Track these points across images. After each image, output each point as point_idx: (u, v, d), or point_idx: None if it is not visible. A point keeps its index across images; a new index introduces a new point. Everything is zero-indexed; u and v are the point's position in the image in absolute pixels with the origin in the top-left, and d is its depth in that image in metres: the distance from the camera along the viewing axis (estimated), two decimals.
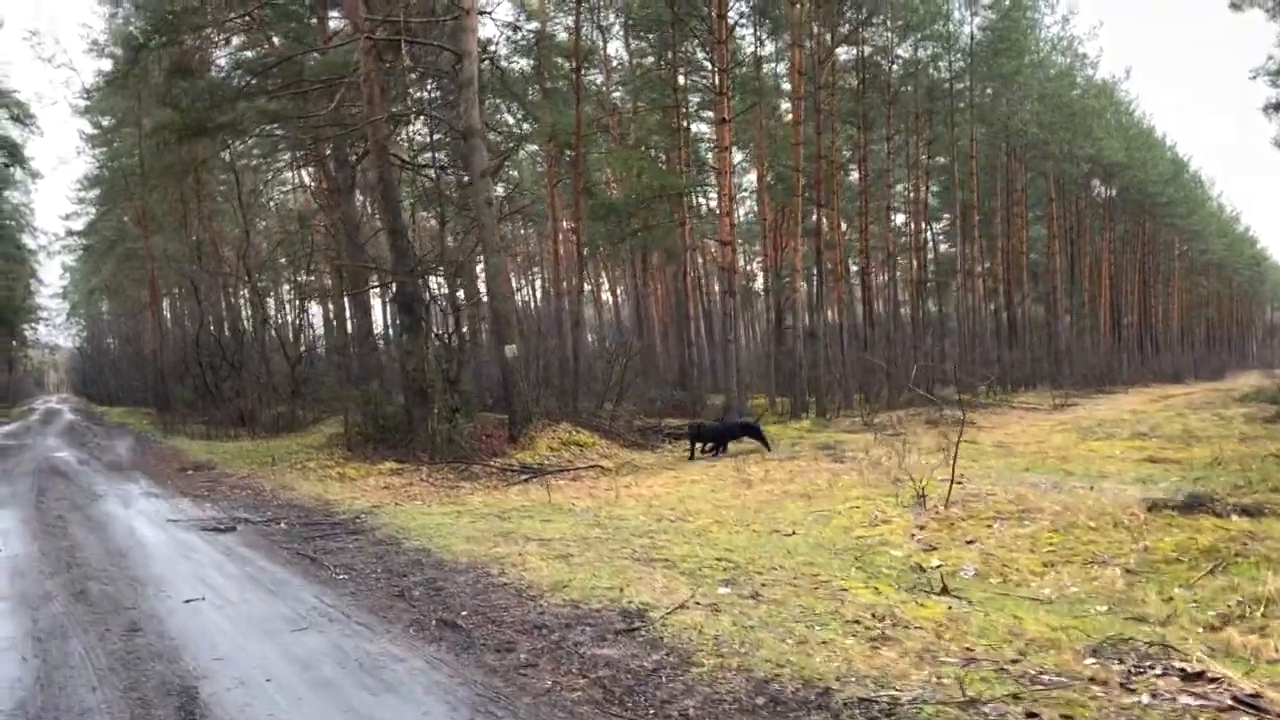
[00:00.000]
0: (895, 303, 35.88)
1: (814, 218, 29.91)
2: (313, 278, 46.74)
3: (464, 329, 19.21)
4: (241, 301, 43.19)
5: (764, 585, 6.50)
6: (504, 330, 17.01)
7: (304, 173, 48.37)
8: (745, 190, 43.89)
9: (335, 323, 46.88)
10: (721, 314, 25.26)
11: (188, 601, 6.76)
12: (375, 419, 19.27)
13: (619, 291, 52.46)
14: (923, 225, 39.94)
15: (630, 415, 20.21)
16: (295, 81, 20.60)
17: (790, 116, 35.03)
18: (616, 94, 37.16)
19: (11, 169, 51.43)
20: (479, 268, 24.24)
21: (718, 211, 25.47)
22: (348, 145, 26.63)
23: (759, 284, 54.55)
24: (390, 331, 40.45)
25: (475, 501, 11.56)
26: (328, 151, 34.05)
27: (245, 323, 40.76)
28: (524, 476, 13.98)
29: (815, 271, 28.73)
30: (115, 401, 57.03)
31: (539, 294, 52.80)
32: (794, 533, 8.95)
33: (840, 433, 21.63)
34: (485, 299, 20.36)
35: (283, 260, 43.90)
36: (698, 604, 5.98)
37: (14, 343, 66.23)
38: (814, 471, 13.37)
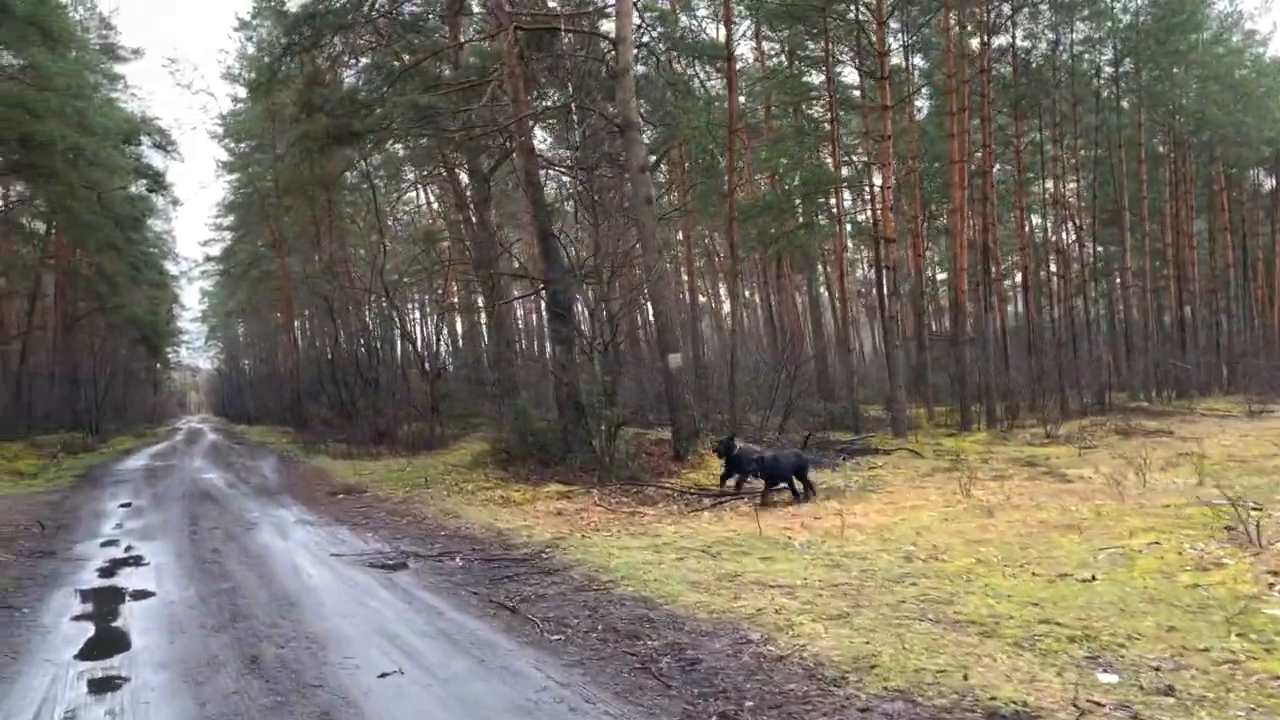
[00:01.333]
0: (1067, 304, 33.10)
1: (954, 216, 27.63)
2: (440, 294, 46.47)
3: (620, 339, 17.79)
4: (371, 318, 43.04)
5: (1159, 670, 4.71)
6: (667, 339, 15.50)
7: (428, 191, 48.34)
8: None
9: (464, 339, 46.45)
10: (885, 318, 23.27)
11: (383, 676, 5.34)
12: (524, 436, 18.03)
13: (741, 298, 50.65)
14: (1077, 221, 37.00)
15: (799, 431, 18.44)
16: (433, 85, 19.64)
17: (920, 107, 32.90)
18: (741, 98, 35.55)
19: (155, 196, 52.86)
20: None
21: (878, 206, 23.45)
22: (482, 155, 25.71)
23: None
24: (522, 345, 39.59)
25: (667, 532, 10.00)
26: (459, 164, 33.46)
27: (377, 339, 40.44)
28: (707, 501, 12.36)
29: (981, 271, 26.45)
30: (253, 421, 57.98)
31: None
32: (1093, 578, 7.08)
33: (1026, 445, 19.40)
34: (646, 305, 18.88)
35: (407, 280, 43.45)
36: (1099, 704, 4.23)
37: (158, 365, 68.38)
38: (1046, 494, 11.39)
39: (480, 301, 36.73)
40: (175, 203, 72.06)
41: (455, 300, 44.98)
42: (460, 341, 45.61)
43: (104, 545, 10.86)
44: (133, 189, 45.45)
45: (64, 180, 22.41)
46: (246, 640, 6.21)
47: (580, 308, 17.90)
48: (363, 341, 39.87)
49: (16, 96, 20.33)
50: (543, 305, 43.30)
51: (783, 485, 12.29)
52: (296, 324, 51.22)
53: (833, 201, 29.44)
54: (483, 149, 24.29)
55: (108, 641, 6.41)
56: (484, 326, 47.47)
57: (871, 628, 5.68)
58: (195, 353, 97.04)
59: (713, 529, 10.11)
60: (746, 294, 47.01)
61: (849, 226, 31.53)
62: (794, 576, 7.39)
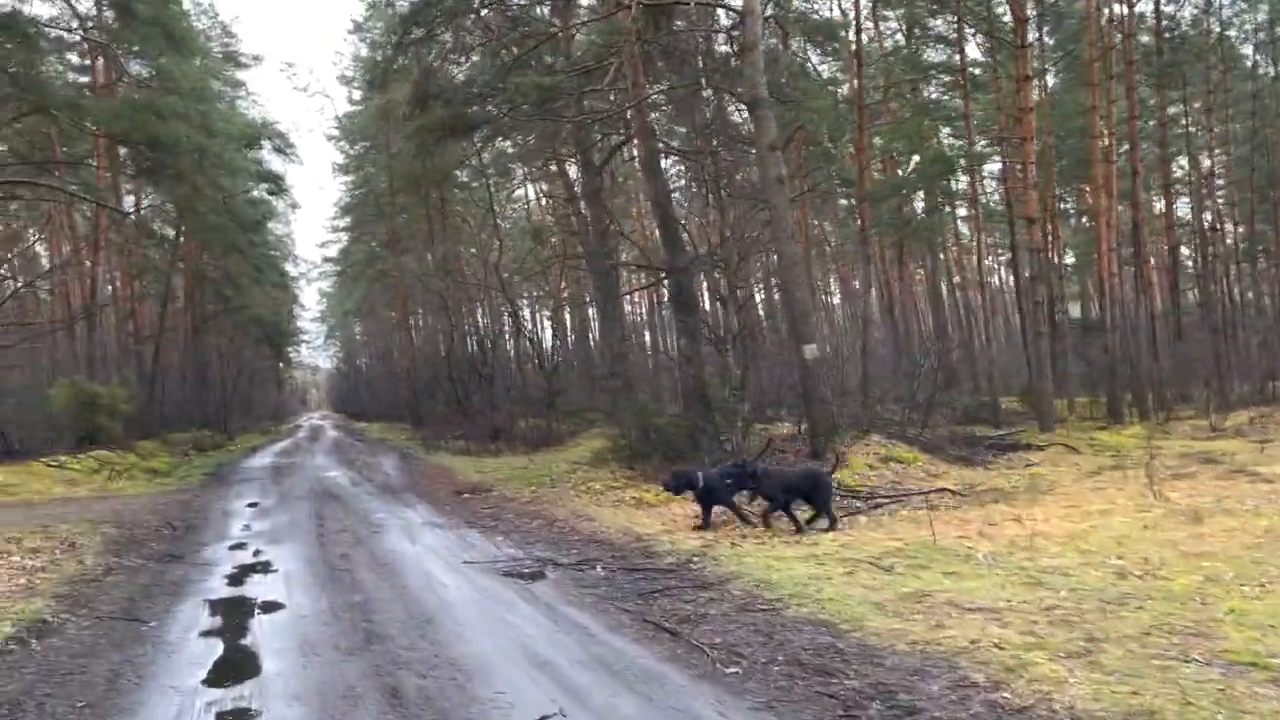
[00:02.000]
0: (1217, 287, 30.69)
1: (1097, 194, 25.68)
2: (552, 289, 46.25)
3: (747, 329, 16.86)
4: (484, 314, 43.06)
5: None
6: (802, 328, 14.47)
7: (537, 188, 48.14)
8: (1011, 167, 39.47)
9: (576, 334, 46.11)
10: (1024, 304, 21.73)
11: None
12: (647, 433, 17.26)
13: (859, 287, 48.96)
14: (1226, 199, 34.38)
15: (945, 425, 17.20)
16: (548, 73, 19.03)
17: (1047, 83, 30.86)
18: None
19: (275, 199, 54.11)
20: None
21: (1020, 183, 21.87)
22: (594, 146, 25.08)
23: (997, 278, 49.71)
24: (636, 339, 38.98)
25: (824, 540, 9.04)
26: (570, 158, 32.97)
27: (491, 336, 40.32)
28: (860, 505, 11.34)
29: (1131, 253, 24.56)
30: (371, 417, 58.92)
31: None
32: None
33: (1191, 439, 17.72)
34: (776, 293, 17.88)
35: (518, 276, 43.25)
36: None
37: (281, 364, 70.30)
38: (1253, 496, 10.03)
39: (592, 296, 36.16)
40: (294, 206, 73.92)
41: (566, 295, 44.68)
42: (573, 336, 45.21)
43: (232, 548, 10.50)
44: (255, 192, 46.64)
45: (189, 182, 22.65)
46: (385, 667, 5.53)
47: (705, 297, 17.03)
48: (477, 338, 39.84)
49: (144, 100, 20.59)
50: (655, 298, 42.66)
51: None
52: (412, 322, 51.74)
53: (958, 183, 27.91)
54: (593, 143, 23.66)
55: (237, 664, 5.83)
56: (593, 321, 47.15)
57: (1128, 670, 4.64)
58: (315, 351, 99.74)
59: (875, 536, 9.11)
60: (855, 284, 45.46)
61: (975, 209, 29.80)
62: (993, 597, 6.37)
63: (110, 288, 36.04)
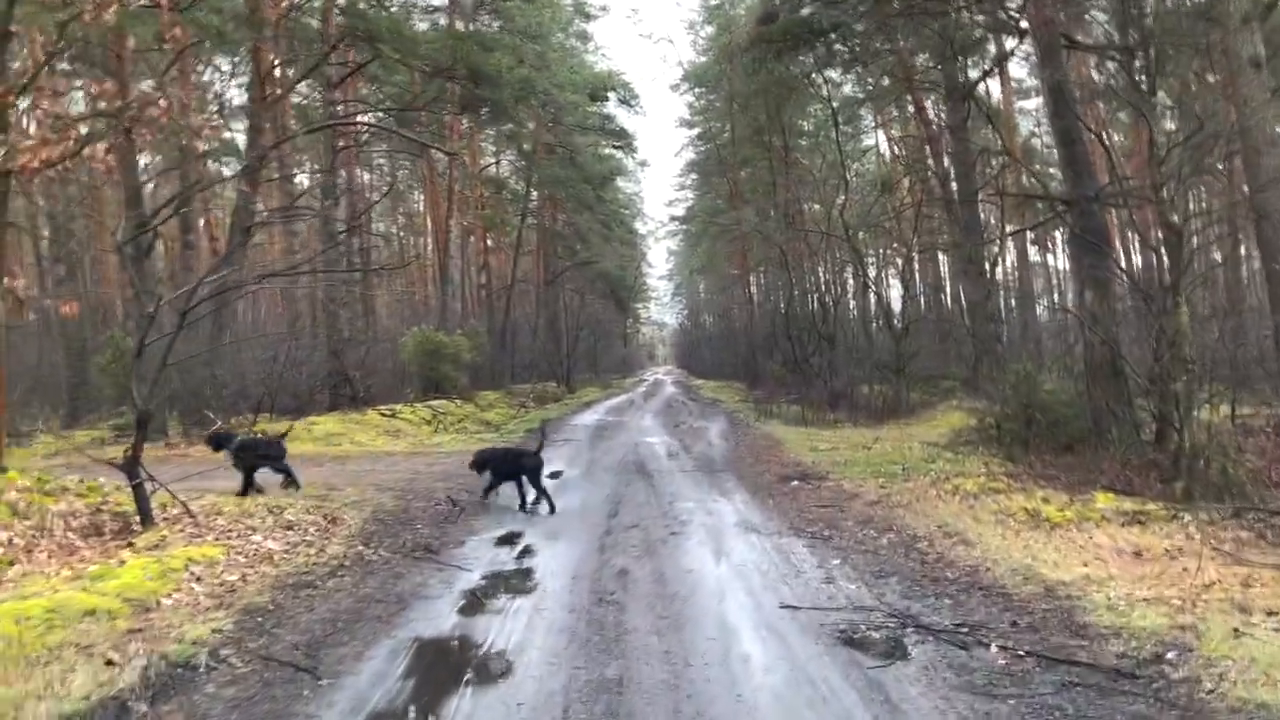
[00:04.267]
0: None
1: None
2: (894, 245, 41.84)
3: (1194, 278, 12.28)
4: (826, 269, 39.70)
5: None
6: None
7: (887, 132, 43.77)
8: None
9: (929, 289, 41.40)
10: None
11: None
12: (1028, 411, 13.32)
13: None
14: None
15: None
16: None
17: None
18: None
19: (624, 156, 53.99)
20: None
21: None
22: (965, 55, 20.90)
23: None
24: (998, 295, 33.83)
25: None
26: (927, 88, 28.66)
27: (830, 293, 36.97)
28: None
29: None
30: (710, 374, 57.79)
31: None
32: None
33: None
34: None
35: (864, 228, 39.26)
36: None
37: (628, 319, 71.38)
38: None
39: (949, 246, 31.60)
40: (643, 164, 74.56)
41: (917, 247, 40.12)
42: (924, 293, 40.59)
43: (499, 542, 8.28)
44: (603, 149, 46.39)
45: (511, 116, 21.46)
46: None
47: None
48: (817, 294, 36.73)
49: (469, 32, 19.54)
50: (1030, 242, 37.00)
51: None
52: (751, 278, 49.56)
53: None
54: (966, 46, 19.50)
55: None
56: (945, 276, 42.13)
57: None
58: (663, 308, 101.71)
59: None
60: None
61: None
62: None
63: (466, 239, 36.87)
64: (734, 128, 44.22)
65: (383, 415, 19.29)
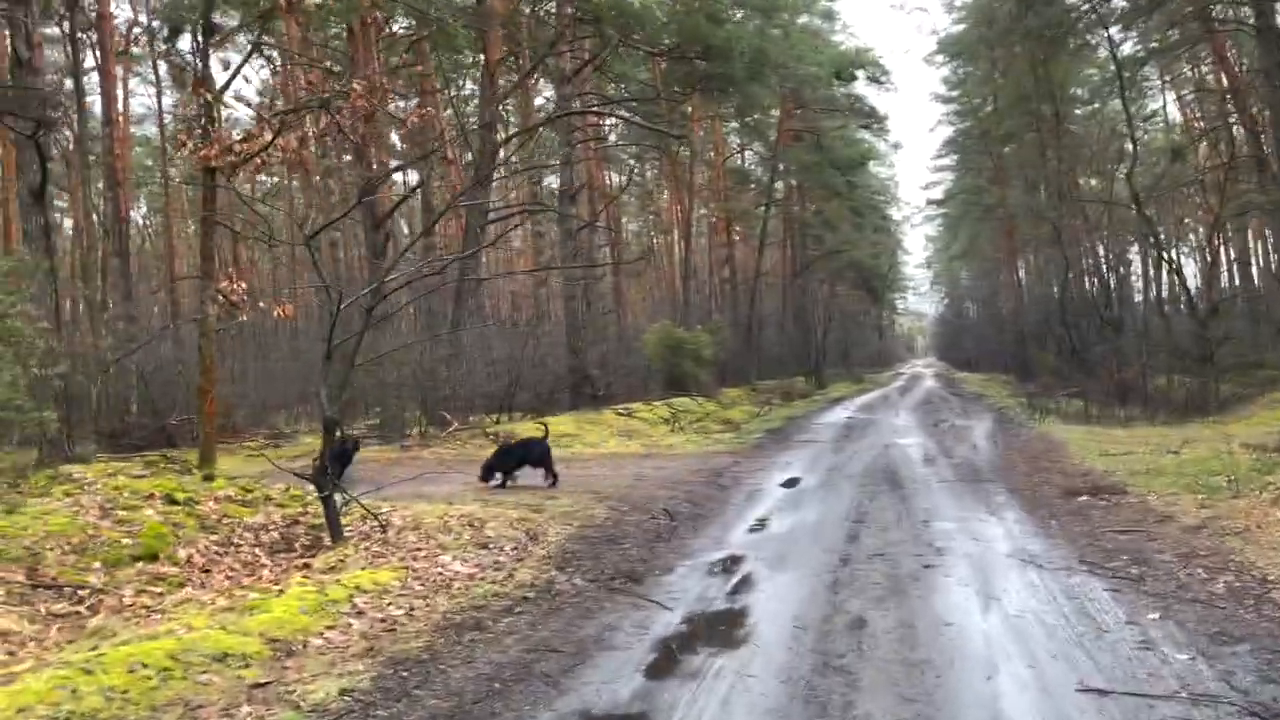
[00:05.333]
0: None
1: None
2: (1191, 216, 36.57)
3: None
4: (1105, 249, 35.30)
5: None
6: None
7: (1176, 90, 38.39)
8: None
9: (1237, 263, 35.85)
10: None
11: None
12: None
13: None
14: None
15: None
16: None
17: None
18: None
19: (875, 140, 51.15)
20: None
21: None
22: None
23: None
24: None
25: None
26: (1232, 29, 24.46)
27: (1114, 272, 32.86)
28: None
29: None
30: (974, 367, 53.78)
31: None
32: None
33: None
34: None
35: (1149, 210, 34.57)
36: None
37: (882, 311, 68.02)
38: None
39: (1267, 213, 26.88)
40: (896, 147, 70.89)
41: (1220, 218, 34.70)
42: (1233, 269, 35.20)
43: (712, 571, 6.93)
44: (852, 132, 43.96)
45: (746, 94, 20.08)
46: None
47: None
48: (1097, 276, 32.78)
49: (697, 5, 18.38)
50: None
51: None
52: (1018, 261, 45.36)
53: None
54: None
55: None
56: (1255, 250, 36.30)
57: None
58: (920, 298, 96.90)
59: None
60: None
61: None
62: None
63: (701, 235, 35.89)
64: (996, 98, 40.55)
65: (619, 414, 18.54)
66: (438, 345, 16.03)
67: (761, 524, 8.70)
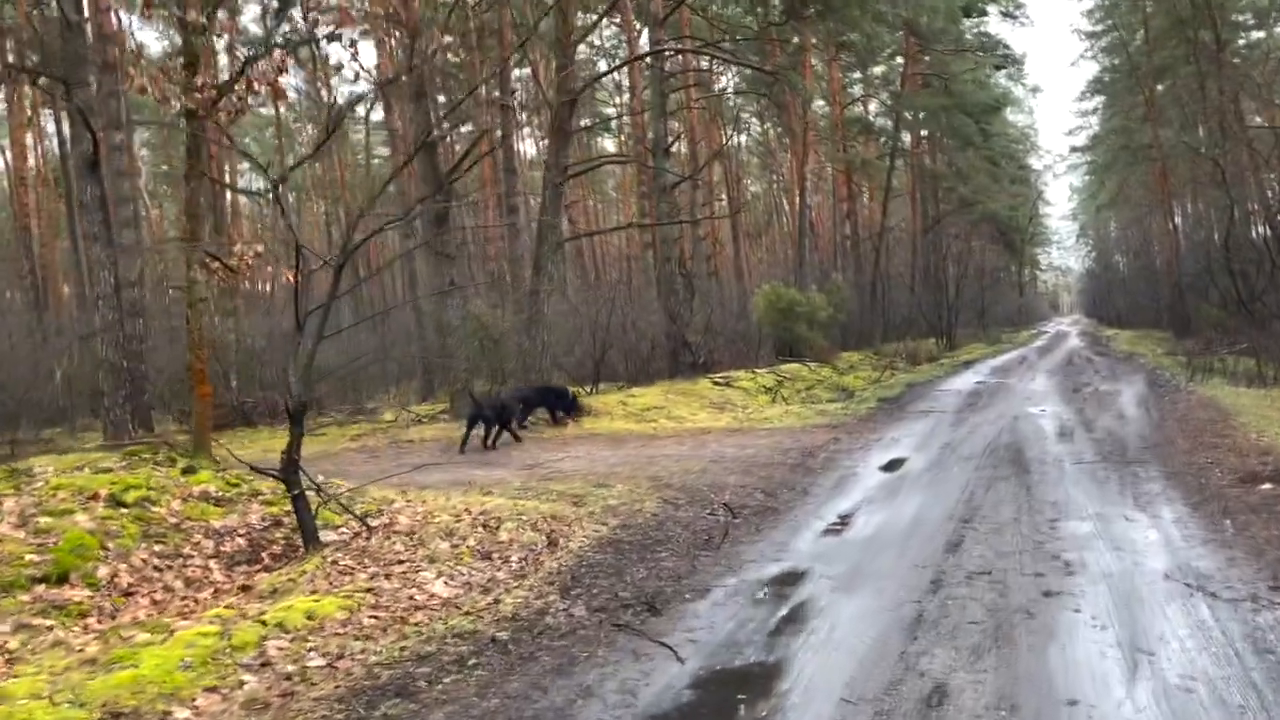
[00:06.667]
0: None
1: None
2: None
3: None
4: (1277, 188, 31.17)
5: None
6: None
7: None
8: None
9: None
10: None
11: None
12: None
13: None
14: None
15: None
16: None
17: None
18: None
19: (1011, 84, 47.21)
20: None
21: None
22: None
23: None
24: None
25: None
26: None
27: None
28: None
29: None
30: (1124, 323, 49.42)
31: None
32: None
33: None
34: None
35: None
36: None
37: (1023, 266, 63.50)
38: None
39: None
40: (1035, 90, 65.57)
41: None
42: None
43: (756, 599, 5.20)
44: (987, 76, 40.47)
45: (848, 20, 17.85)
46: None
47: None
48: (1266, 217, 28.85)
49: None
50: None
51: None
52: (1175, 206, 40.95)
53: None
54: None
55: None
56: None
57: None
58: (1065, 252, 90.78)
59: None
60: None
61: None
62: None
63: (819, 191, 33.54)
64: (1147, 27, 36.39)
65: (715, 384, 16.85)
66: (516, 312, 14.71)
67: (843, 523, 6.94)
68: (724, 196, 38.20)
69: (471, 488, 8.54)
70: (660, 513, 7.40)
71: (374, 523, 6.68)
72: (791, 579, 5.54)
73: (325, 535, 6.27)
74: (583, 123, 18.80)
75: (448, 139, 16.55)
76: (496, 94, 16.98)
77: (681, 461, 9.91)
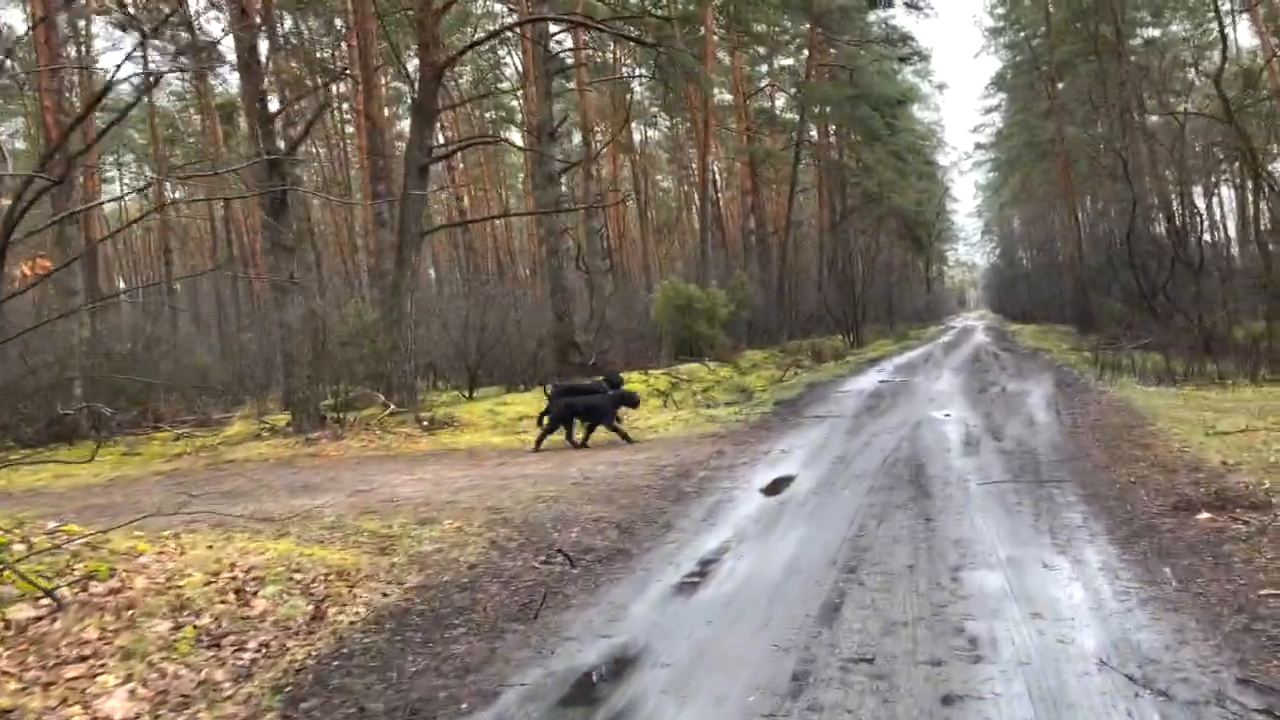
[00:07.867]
0: None
1: None
2: None
3: None
4: (1176, 181, 31.24)
5: None
6: None
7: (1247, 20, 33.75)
8: None
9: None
10: None
11: None
12: None
13: None
14: None
15: None
16: None
17: None
18: None
19: (917, 79, 46.91)
20: None
21: None
22: None
23: None
24: None
25: None
26: None
27: (1187, 208, 28.92)
28: None
29: None
30: (1029, 318, 49.74)
31: None
32: None
33: None
34: None
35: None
36: None
37: (930, 262, 63.78)
38: None
39: None
40: (941, 87, 65.81)
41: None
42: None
43: (557, 709, 3.79)
44: (891, 67, 39.90)
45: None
46: None
47: None
48: (1167, 213, 28.85)
49: None
50: None
51: None
52: (1078, 202, 41.10)
53: None
54: None
55: None
56: None
57: None
58: (971, 249, 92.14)
59: None
60: None
61: None
62: None
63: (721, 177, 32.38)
64: (1049, 21, 36.25)
65: None
66: (375, 310, 13.02)
67: (701, 573, 5.52)
68: (632, 191, 36.84)
69: (269, 525, 6.91)
70: (480, 562, 5.89)
71: (84, 593, 5.01)
72: (615, 671, 4.09)
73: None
74: (451, 101, 17.05)
75: (285, 114, 14.68)
76: (349, 70, 15.24)
77: (538, 485, 8.41)
